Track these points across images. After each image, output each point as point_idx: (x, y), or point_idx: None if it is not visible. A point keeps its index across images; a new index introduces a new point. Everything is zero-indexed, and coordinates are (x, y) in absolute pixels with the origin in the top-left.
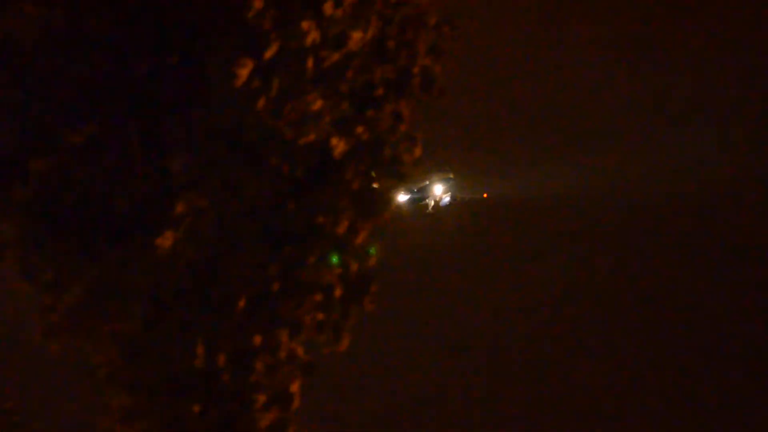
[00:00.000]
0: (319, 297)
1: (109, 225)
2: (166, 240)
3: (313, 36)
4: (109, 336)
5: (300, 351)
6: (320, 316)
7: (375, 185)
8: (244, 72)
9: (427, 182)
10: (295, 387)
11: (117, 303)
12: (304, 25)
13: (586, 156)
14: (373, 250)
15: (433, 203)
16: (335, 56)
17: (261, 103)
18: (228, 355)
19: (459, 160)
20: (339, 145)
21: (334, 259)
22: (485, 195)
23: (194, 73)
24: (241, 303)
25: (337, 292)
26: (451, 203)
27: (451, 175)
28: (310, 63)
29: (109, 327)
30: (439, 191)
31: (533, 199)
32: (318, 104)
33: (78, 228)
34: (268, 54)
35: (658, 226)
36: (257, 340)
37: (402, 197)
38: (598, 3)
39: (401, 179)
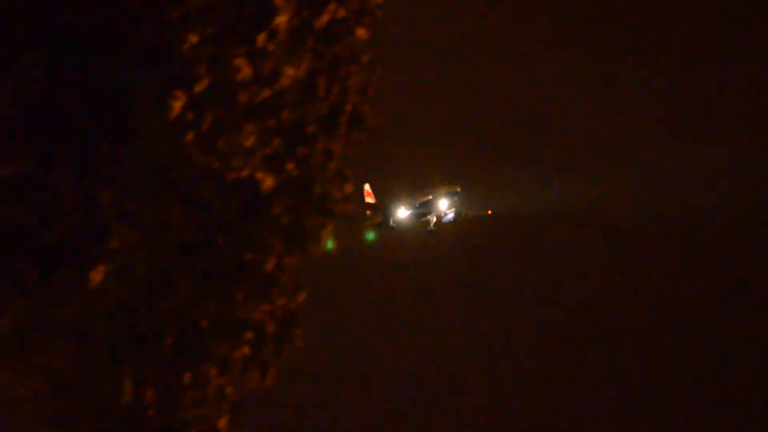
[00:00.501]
0: (248, 334)
1: (38, 258)
2: (97, 274)
3: (245, 71)
4: (36, 369)
5: (229, 388)
6: (249, 352)
7: (305, 222)
8: (177, 104)
9: (431, 197)
10: (223, 424)
11: (44, 336)
12: (237, 60)
13: (596, 171)
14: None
15: (435, 219)
16: (267, 92)
17: (192, 137)
18: (156, 391)
19: (467, 175)
20: (268, 181)
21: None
22: (489, 212)
23: (125, 105)
24: (170, 339)
25: (267, 329)
26: (455, 220)
27: (458, 189)
28: (242, 98)
29: (36, 360)
30: (444, 206)
31: (539, 214)
32: (250, 140)
33: (5, 260)
34: (200, 88)
35: (665, 239)
36: (186, 376)
37: (402, 212)
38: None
39: (331, 216)
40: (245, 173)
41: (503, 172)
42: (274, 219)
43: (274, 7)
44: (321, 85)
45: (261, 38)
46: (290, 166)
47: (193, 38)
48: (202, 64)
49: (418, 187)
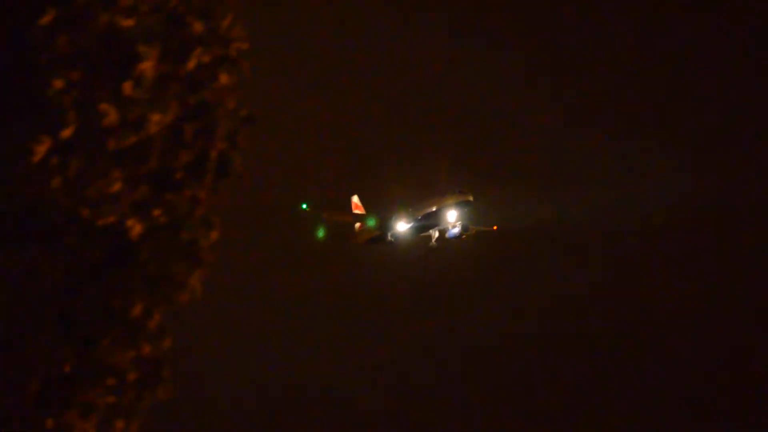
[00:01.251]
0: (112, 380)
1: None
2: None
3: (112, 117)
4: None
5: None
6: (113, 399)
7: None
8: (40, 149)
9: (435, 208)
10: None
11: None
12: (103, 106)
13: (608, 184)
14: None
15: (437, 235)
16: (134, 138)
17: (58, 182)
18: None
19: (477, 187)
20: (135, 228)
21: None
22: (495, 227)
23: None
24: (34, 385)
25: (131, 376)
26: (460, 235)
27: (471, 198)
28: (109, 144)
29: None
30: (452, 218)
31: (548, 228)
32: (117, 186)
33: None
34: (66, 133)
35: (661, 245)
36: (49, 422)
37: (402, 226)
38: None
39: (198, 263)
40: (112, 220)
41: (503, 186)
42: (141, 266)
43: (139, 54)
44: (188, 132)
45: (127, 85)
46: (157, 212)
47: (59, 84)
48: (69, 110)
49: (422, 197)
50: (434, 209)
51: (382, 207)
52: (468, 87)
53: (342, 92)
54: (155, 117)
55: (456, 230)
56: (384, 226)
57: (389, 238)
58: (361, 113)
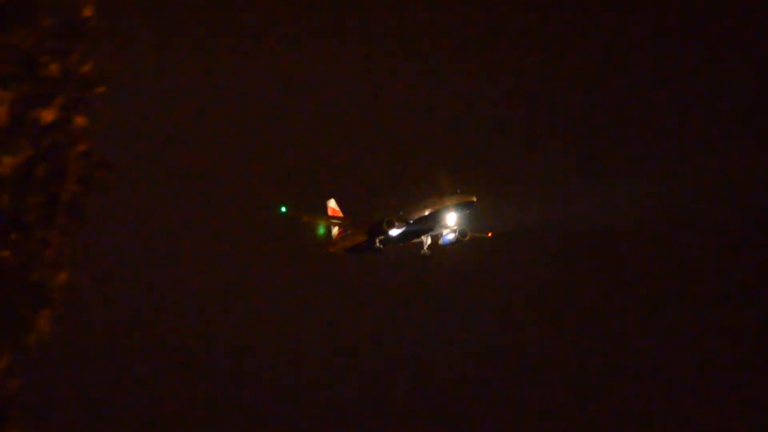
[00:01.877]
0: None
1: None
2: None
3: None
4: None
5: None
6: None
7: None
8: None
9: (430, 210)
10: None
11: None
12: None
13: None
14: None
15: (429, 241)
16: None
17: None
18: None
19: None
20: None
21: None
22: (490, 234)
23: None
24: None
25: None
26: (456, 241)
27: (474, 198)
28: None
29: None
30: (452, 221)
31: (543, 232)
32: None
33: None
34: None
35: (659, 247)
36: None
37: (394, 231)
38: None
39: (47, 305)
40: None
41: (494, 189)
42: None
43: None
44: (39, 173)
45: None
46: (6, 253)
47: None
48: None
49: (416, 198)
50: (430, 211)
51: (367, 209)
52: (461, 87)
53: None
54: (7, 159)
55: (451, 236)
56: (372, 231)
57: (377, 245)
58: (344, 111)
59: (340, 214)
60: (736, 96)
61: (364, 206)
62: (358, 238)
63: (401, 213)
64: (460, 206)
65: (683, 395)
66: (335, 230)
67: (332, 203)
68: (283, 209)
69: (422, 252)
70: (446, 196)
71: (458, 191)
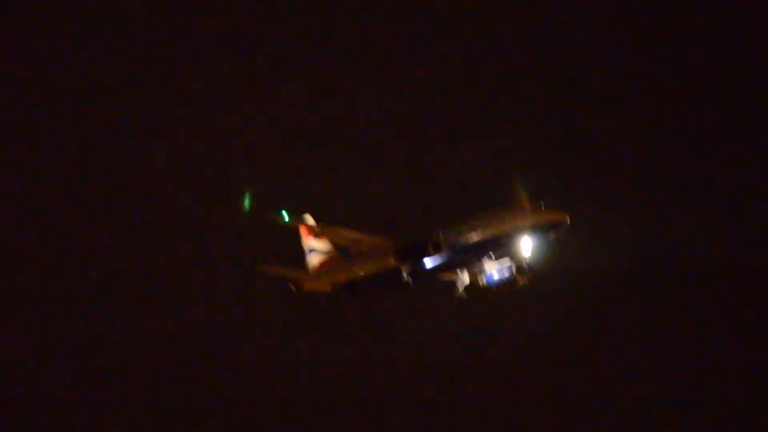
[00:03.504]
0: None
1: None
2: None
3: None
4: None
5: None
6: None
7: None
8: None
9: (493, 232)
10: None
11: None
12: None
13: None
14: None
15: (467, 281)
16: None
17: None
18: None
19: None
20: None
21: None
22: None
23: None
24: None
25: None
26: (508, 282)
27: (567, 219)
28: None
29: None
30: (526, 249)
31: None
32: None
33: None
34: None
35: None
36: None
37: (432, 261)
38: None
39: None
40: None
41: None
42: None
43: None
44: None
45: None
46: None
47: None
48: None
49: (468, 212)
50: (494, 233)
51: (388, 224)
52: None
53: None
54: None
55: (502, 273)
56: (405, 253)
57: (405, 278)
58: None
59: (315, 235)
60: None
61: (373, 226)
62: (371, 267)
63: (450, 231)
64: (543, 229)
65: None
66: (314, 259)
67: (309, 219)
68: (285, 216)
69: (457, 294)
70: (522, 214)
71: (541, 205)
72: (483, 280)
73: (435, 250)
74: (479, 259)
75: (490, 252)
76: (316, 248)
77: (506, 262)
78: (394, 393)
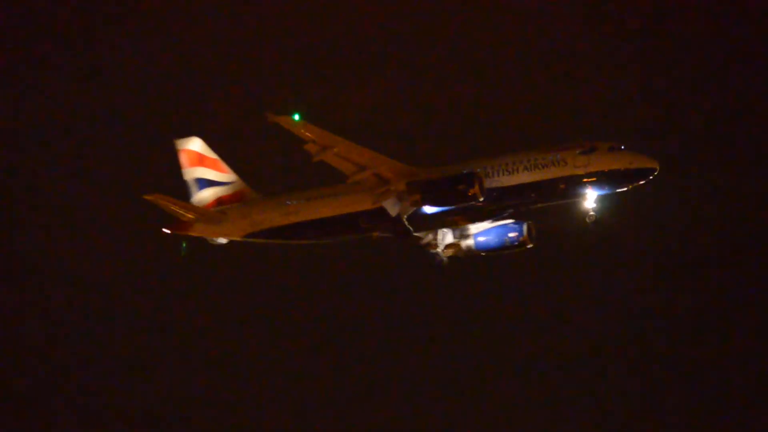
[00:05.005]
0: None
1: None
2: None
3: None
4: None
5: None
6: None
7: None
8: None
9: (547, 174)
10: None
11: None
12: None
13: None
14: None
15: (448, 239)
16: None
17: None
18: None
19: None
20: None
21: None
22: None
23: None
24: None
25: None
26: (514, 243)
27: (657, 166)
28: None
29: None
30: (591, 201)
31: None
32: None
33: None
34: None
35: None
36: None
37: (445, 206)
38: None
39: None
40: None
41: None
42: None
43: None
44: None
45: None
46: None
47: None
48: None
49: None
50: (550, 177)
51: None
52: None
53: None
54: None
55: (505, 237)
56: (435, 191)
57: (406, 226)
58: None
59: (215, 164)
60: None
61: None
62: (353, 205)
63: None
64: (624, 177)
65: None
66: (207, 194)
67: (196, 145)
68: (297, 117)
69: (437, 259)
70: (594, 153)
71: (620, 147)
72: (470, 243)
73: (471, 185)
74: (518, 209)
75: (536, 202)
76: (211, 179)
77: (509, 220)
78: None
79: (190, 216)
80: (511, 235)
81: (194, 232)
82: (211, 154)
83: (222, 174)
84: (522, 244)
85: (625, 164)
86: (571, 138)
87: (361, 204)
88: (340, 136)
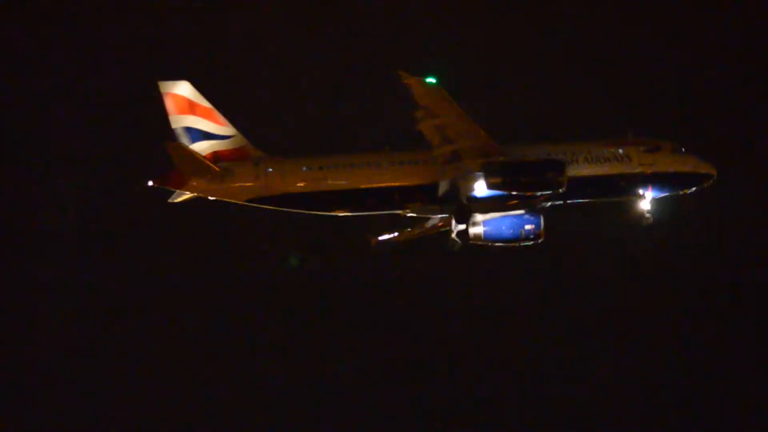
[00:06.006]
0: None
1: None
2: None
3: None
4: None
5: None
6: None
7: None
8: None
9: (607, 169)
10: None
11: None
12: None
13: None
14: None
15: (458, 228)
16: None
17: None
18: None
19: None
20: None
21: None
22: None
23: None
24: None
25: None
26: (530, 237)
27: (715, 173)
28: None
29: None
30: (647, 203)
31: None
32: None
33: None
34: None
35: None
36: None
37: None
38: None
39: None
40: None
41: None
42: None
43: None
44: None
45: None
46: None
47: None
48: None
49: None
50: (607, 172)
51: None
52: None
53: None
54: None
55: (519, 229)
56: (504, 174)
57: (465, 205)
58: None
59: (210, 114)
60: None
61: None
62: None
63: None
64: (682, 180)
65: None
66: (201, 147)
67: (185, 90)
68: (433, 80)
69: (451, 244)
70: (659, 152)
71: (681, 149)
72: (479, 231)
73: (563, 179)
74: (564, 203)
75: (591, 196)
76: (206, 130)
77: (521, 211)
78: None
79: (216, 169)
80: (528, 227)
81: (189, 189)
82: (204, 102)
83: (218, 126)
84: (537, 237)
85: (690, 168)
86: (616, 130)
87: (407, 178)
88: (461, 108)
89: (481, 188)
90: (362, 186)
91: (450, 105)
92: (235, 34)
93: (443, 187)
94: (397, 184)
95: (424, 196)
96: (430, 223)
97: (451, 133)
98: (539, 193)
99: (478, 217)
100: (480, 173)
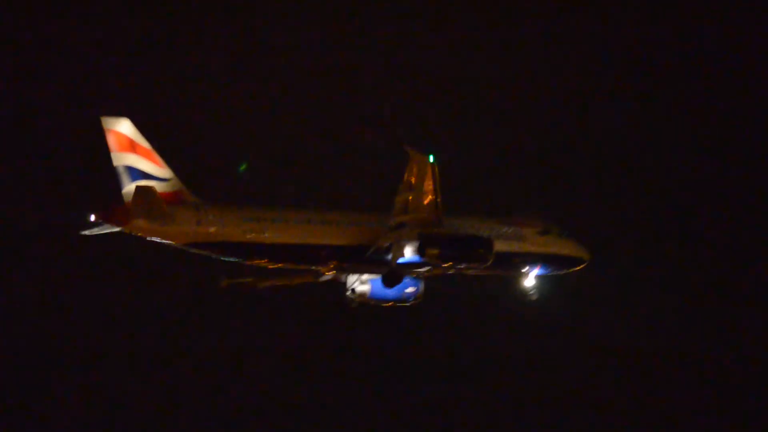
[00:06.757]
0: None
1: None
2: None
3: None
4: None
5: None
6: None
7: None
8: None
9: (515, 247)
10: None
11: None
12: None
13: None
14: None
15: (355, 286)
16: None
17: None
18: None
19: None
20: None
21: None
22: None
23: None
24: None
25: None
26: (410, 297)
27: (587, 258)
28: None
29: None
30: (531, 280)
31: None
32: None
33: None
34: None
35: None
36: None
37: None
38: None
39: None
40: None
41: None
42: None
43: None
44: None
45: None
46: None
47: None
48: None
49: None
50: (521, 248)
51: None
52: None
53: None
54: None
55: (414, 288)
56: (439, 246)
57: (348, 291)
58: None
59: (149, 154)
60: None
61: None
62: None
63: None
64: (560, 263)
65: None
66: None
67: (125, 128)
68: (431, 158)
69: (348, 299)
70: (549, 235)
71: (561, 232)
72: (365, 290)
73: (492, 256)
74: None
75: (489, 270)
76: (146, 171)
77: (417, 285)
78: None
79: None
80: (409, 290)
81: (130, 229)
82: (143, 142)
83: (157, 168)
84: (416, 299)
85: (572, 252)
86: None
87: (335, 238)
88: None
89: (408, 254)
90: (293, 242)
91: (435, 184)
92: (180, 73)
93: (376, 250)
94: (326, 242)
95: (354, 256)
96: (322, 279)
97: (414, 206)
98: (463, 266)
99: (365, 276)
100: (416, 242)
